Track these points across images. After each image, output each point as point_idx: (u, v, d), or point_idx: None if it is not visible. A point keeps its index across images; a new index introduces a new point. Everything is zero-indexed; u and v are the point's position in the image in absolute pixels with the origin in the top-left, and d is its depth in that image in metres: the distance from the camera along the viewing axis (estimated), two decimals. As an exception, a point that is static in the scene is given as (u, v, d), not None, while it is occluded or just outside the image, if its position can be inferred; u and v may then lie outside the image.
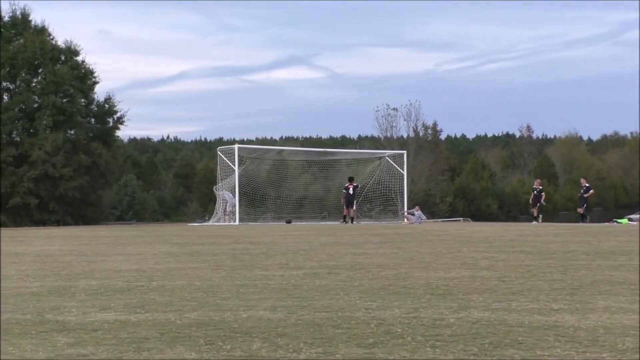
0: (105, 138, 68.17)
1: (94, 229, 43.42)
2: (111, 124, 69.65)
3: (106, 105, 68.86)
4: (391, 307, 11.58)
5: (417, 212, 49.55)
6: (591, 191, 48.32)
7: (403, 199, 56.06)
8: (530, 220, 51.20)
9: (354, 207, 49.56)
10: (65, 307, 12.14)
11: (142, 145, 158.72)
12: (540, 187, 50.29)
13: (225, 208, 51.76)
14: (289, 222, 48.92)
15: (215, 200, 53.95)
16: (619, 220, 56.49)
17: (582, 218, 47.28)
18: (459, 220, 74.10)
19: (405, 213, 51.93)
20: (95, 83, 68.88)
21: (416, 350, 8.60)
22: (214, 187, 53.09)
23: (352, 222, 47.74)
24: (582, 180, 49.39)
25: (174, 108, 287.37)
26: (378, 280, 15.01)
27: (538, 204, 48.46)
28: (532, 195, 49.97)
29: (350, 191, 48.87)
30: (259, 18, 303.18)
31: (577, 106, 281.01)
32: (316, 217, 54.84)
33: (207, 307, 11.87)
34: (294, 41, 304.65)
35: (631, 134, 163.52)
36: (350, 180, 50.17)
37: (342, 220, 48.19)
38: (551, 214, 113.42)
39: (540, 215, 48.78)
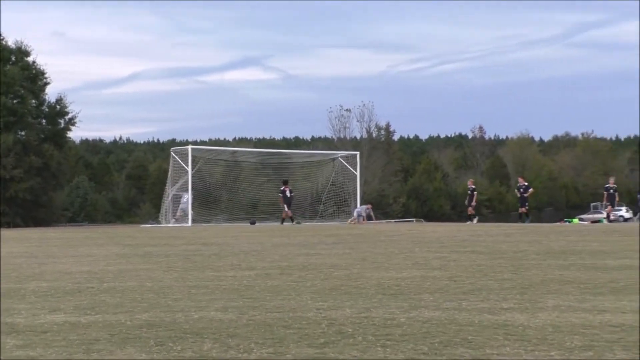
0: (56, 139, 67.68)
1: (45, 231, 43.08)
2: (63, 125, 69.17)
3: (57, 107, 68.37)
4: (342, 307, 11.60)
5: (361, 209, 49.63)
6: (530, 190, 48.65)
7: (356, 199, 56.12)
8: (480, 221, 51.48)
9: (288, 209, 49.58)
10: (14, 309, 12.03)
11: (94, 146, 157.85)
12: (474, 187, 50.30)
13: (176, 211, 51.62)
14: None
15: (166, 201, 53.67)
16: (570, 220, 57.03)
17: (522, 217, 47.53)
18: (412, 220, 74.34)
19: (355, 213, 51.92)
20: (47, 84, 68.44)
21: (367, 349, 8.62)
22: (170, 188, 52.70)
23: (282, 222, 47.70)
24: (521, 179, 49.79)
25: (127, 109, 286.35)
26: (330, 281, 15.03)
27: (472, 204, 48.50)
28: (468, 196, 49.86)
29: (287, 193, 48.93)
30: (213, 19, 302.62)
31: (529, 107, 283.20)
32: (270, 219, 54.74)
33: (158, 308, 11.82)
34: (248, 42, 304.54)
35: (582, 134, 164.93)
36: (285, 183, 50.21)
37: (290, 221, 48.12)
38: (503, 215, 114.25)
39: (477, 217, 48.86)
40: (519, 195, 48.27)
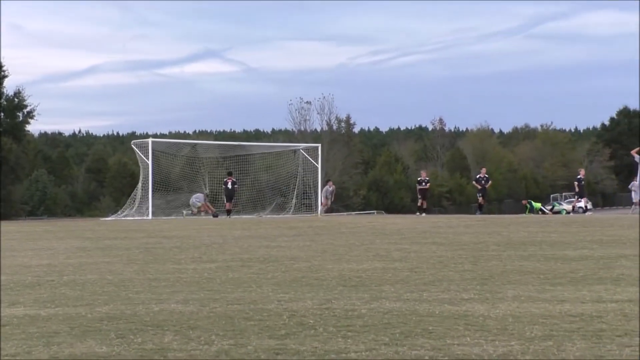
0: (15, 132, 67.19)
1: (4, 225, 42.73)
2: (21, 118, 68.67)
3: (16, 100, 67.87)
4: (304, 299, 11.61)
5: (325, 190, 49.43)
6: (490, 182, 48.85)
7: (317, 192, 56.12)
8: (441, 212, 51.53)
9: (232, 202, 49.37)
10: (-27, 303, 11.94)
11: (53, 139, 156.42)
12: (427, 179, 49.92)
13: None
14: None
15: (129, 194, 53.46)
16: (533, 203, 57.61)
17: (480, 208, 47.67)
18: (373, 213, 74.45)
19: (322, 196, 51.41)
20: (4, 77, 67.87)
21: (328, 340, 8.63)
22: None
23: (229, 215, 47.56)
24: (483, 170, 49.80)
25: (86, 102, 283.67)
26: (291, 273, 15.05)
27: (424, 195, 48.17)
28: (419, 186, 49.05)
29: (229, 186, 48.77)
30: (173, 12, 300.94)
31: (488, 99, 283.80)
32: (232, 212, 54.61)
33: (118, 301, 11.78)
34: (208, 35, 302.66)
35: (541, 126, 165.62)
36: (230, 174, 50.06)
37: (226, 214, 47.89)
38: (464, 206, 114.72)
39: (424, 211, 48.38)
40: (479, 187, 48.31)
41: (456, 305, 10.81)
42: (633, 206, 29.79)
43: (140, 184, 51.82)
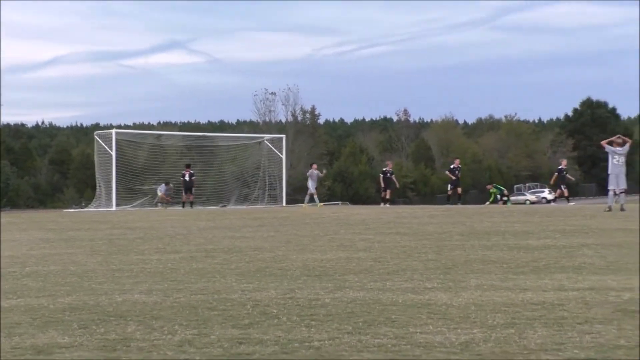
0: (-23, 124, 66.71)
1: (-34, 217, 42.47)
2: (-17, 109, 68.21)
3: (-22, 91, 67.39)
4: (267, 289, 11.62)
5: (310, 173, 48.97)
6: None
7: (282, 183, 56.09)
8: (405, 203, 51.46)
9: (192, 193, 49.16)
10: None
11: (15, 131, 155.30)
12: (391, 170, 49.34)
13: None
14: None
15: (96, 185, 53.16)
16: (497, 186, 58.12)
17: (460, 197, 47.55)
18: (338, 203, 74.50)
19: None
20: (-34, 68, 67.42)
21: (291, 329, 8.64)
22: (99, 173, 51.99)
23: (191, 206, 47.46)
24: (457, 161, 49.56)
25: (49, 93, 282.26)
26: (255, 263, 15.06)
27: (389, 186, 47.73)
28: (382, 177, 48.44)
29: (187, 177, 48.61)
30: (137, 2, 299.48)
31: (453, 90, 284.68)
32: (195, 202, 54.46)
33: (81, 292, 11.75)
34: (173, 26, 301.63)
35: (505, 117, 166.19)
36: (187, 166, 49.89)
37: (187, 206, 47.73)
38: (428, 197, 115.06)
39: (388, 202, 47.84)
40: (453, 177, 48.13)
41: (419, 294, 10.85)
42: (625, 197, 30.01)
43: (97, 175, 51.58)
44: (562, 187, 46.09)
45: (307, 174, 49.04)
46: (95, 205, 50.70)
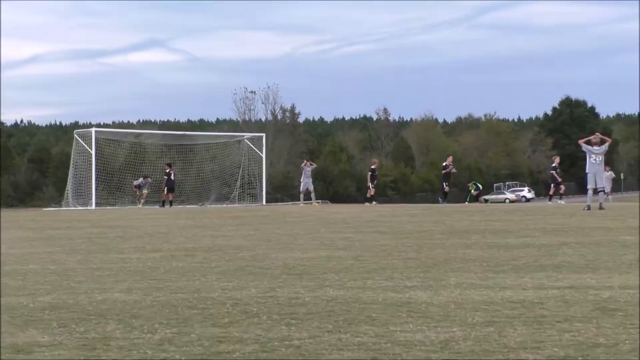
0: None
1: (-56, 215, 42.26)
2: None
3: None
4: (247, 287, 11.62)
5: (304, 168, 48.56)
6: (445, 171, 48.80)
7: (262, 182, 56.07)
8: (385, 202, 51.46)
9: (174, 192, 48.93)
10: None
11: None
12: (375, 167, 49.30)
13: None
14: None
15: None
16: (477, 184, 58.43)
17: (446, 196, 47.45)
18: (318, 202, 74.46)
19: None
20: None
21: (271, 328, 8.64)
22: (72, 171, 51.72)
23: (170, 205, 47.24)
24: (449, 159, 49.20)
25: (28, 92, 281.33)
26: (235, 262, 15.04)
27: (373, 184, 47.71)
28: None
29: (172, 177, 48.32)
30: (116, 1, 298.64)
31: (432, 89, 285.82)
32: (175, 201, 54.35)
33: (61, 291, 11.71)
34: (152, 24, 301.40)
35: (485, 116, 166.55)
36: (170, 165, 49.60)
37: (166, 205, 47.44)
38: (408, 196, 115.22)
39: (374, 201, 47.73)
40: (445, 172, 47.99)
41: (399, 293, 10.87)
42: (604, 196, 29.95)
43: (70, 173, 51.33)
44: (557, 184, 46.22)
45: (306, 170, 48.80)
46: (65, 204, 50.44)
